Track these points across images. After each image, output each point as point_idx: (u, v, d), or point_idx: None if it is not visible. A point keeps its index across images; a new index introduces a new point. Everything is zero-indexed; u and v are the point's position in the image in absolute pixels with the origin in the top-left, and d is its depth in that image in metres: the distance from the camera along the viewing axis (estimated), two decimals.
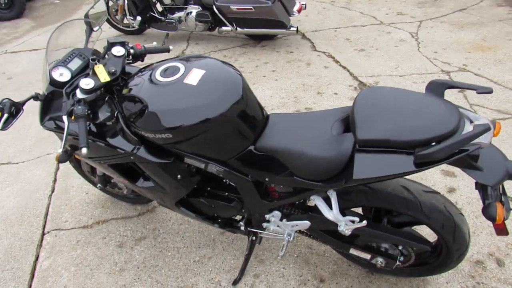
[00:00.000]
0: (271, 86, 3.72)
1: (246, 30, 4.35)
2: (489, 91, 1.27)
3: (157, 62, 1.69)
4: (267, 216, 1.75)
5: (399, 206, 1.50)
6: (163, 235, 2.27)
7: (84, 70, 1.79)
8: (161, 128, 1.45)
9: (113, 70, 1.65)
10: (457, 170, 2.51)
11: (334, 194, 1.51)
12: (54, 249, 2.24)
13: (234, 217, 1.96)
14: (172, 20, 4.66)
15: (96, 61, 1.66)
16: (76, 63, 1.78)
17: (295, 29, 4.24)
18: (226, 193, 1.80)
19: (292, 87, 3.66)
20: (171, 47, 1.95)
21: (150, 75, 1.56)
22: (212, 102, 1.43)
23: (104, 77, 1.62)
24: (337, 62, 4.06)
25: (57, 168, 2.86)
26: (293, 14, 4.33)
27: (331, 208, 1.54)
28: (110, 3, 4.92)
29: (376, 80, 3.62)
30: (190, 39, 4.96)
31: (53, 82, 1.68)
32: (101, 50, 1.81)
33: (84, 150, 1.43)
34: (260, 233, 1.88)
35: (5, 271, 2.15)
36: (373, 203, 1.54)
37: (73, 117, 1.52)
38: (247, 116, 1.51)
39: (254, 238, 1.93)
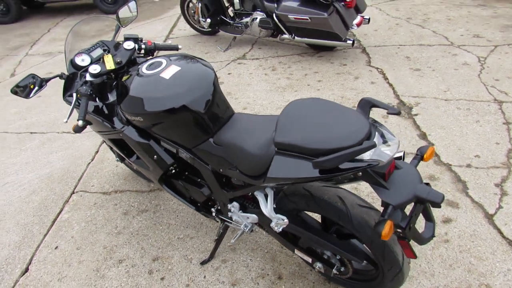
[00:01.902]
0: (310, 94, 3.82)
1: (303, 39, 4.49)
2: (396, 112, 1.30)
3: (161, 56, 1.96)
4: (229, 206, 1.92)
5: (331, 215, 1.57)
6: (162, 211, 2.55)
7: None
8: (135, 111, 1.72)
9: (118, 60, 1.97)
10: (462, 203, 2.39)
11: (271, 192, 1.63)
12: (76, 206, 2.67)
13: (211, 203, 2.15)
14: (239, 25, 4.99)
15: (106, 52, 2.00)
16: (97, 52, 2.12)
17: (351, 42, 4.26)
18: (199, 179, 2.01)
19: (330, 98, 3.71)
20: (180, 47, 2.22)
21: (140, 67, 1.84)
22: (176, 95, 1.65)
23: (110, 65, 1.95)
24: (386, 79, 3.99)
25: (102, 142, 3.33)
26: (352, 28, 4.36)
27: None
28: (190, 5, 5.43)
29: (418, 101, 3.51)
30: (255, 44, 5.24)
31: (75, 65, 2.05)
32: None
33: (80, 123, 1.76)
34: (226, 221, 2.05)
35: (35, 216, 2.62)
36: (311, 208, 1.62)
37: (78, 95, 1.87)
38: (208, 111, 1.70)
39: (222, 225, 2.11)
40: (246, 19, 4.93)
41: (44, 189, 2.87)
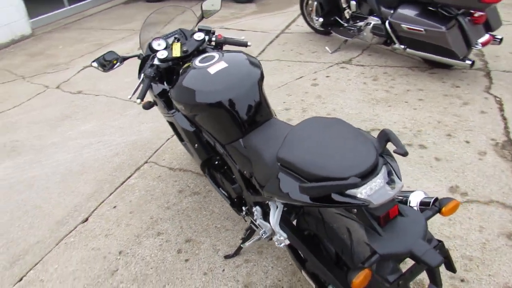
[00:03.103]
0: (403, 113, 3.51)
1: (415, 52, 4.11)
2: (403, 152, 1.12)
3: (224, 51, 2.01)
4: (253, 209, 1.90)
5: (335, 245, 1.45)
6: (211, 198, 2.65)
7: None
8: (178, 100, 1.81)
9: (185, 49, 2.08)
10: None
11: (281, 206, 1.57)
12: (143, 174, 2.94)
13: (244, 202, 2.16)
14: (352, 28, 4.80)
15: (176, 40, 2.13)
16: (173, 39, 2.28)
17: (470, 63, 3.76)
18: (234, 176, 2.04)
19: (425, 121, 3.36)
20: (249, 43, 2.24)
21: (195, 59, 1.91)
22: (214, 91, 1.69)
23: (176, 52, 2.08)
24: (501, 110, 3.44)
25: None
26: (475, 46, 3.83)
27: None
28: (310, 2, 5.40)
29: None
30: (365, 50, 4.99)
31: (151, 48, 2.23)
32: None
33: (137, 101, 1.93)
34: (253, 223, 2.04)
35: (110, 175, 2.97)
36: (319, 232, 1.53)
37: (144, 76, 2.04)
38: (243, 111, 1.70)
39: (248, 226, 2.10)
40: (361, 23, 4.71)
41: (126, 153, 3.22)
